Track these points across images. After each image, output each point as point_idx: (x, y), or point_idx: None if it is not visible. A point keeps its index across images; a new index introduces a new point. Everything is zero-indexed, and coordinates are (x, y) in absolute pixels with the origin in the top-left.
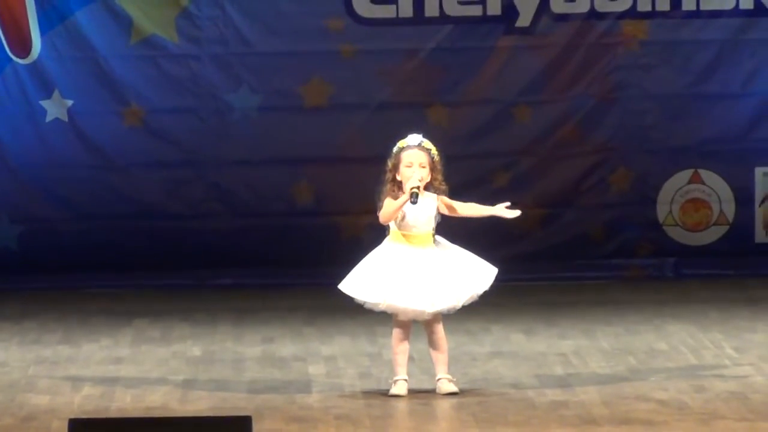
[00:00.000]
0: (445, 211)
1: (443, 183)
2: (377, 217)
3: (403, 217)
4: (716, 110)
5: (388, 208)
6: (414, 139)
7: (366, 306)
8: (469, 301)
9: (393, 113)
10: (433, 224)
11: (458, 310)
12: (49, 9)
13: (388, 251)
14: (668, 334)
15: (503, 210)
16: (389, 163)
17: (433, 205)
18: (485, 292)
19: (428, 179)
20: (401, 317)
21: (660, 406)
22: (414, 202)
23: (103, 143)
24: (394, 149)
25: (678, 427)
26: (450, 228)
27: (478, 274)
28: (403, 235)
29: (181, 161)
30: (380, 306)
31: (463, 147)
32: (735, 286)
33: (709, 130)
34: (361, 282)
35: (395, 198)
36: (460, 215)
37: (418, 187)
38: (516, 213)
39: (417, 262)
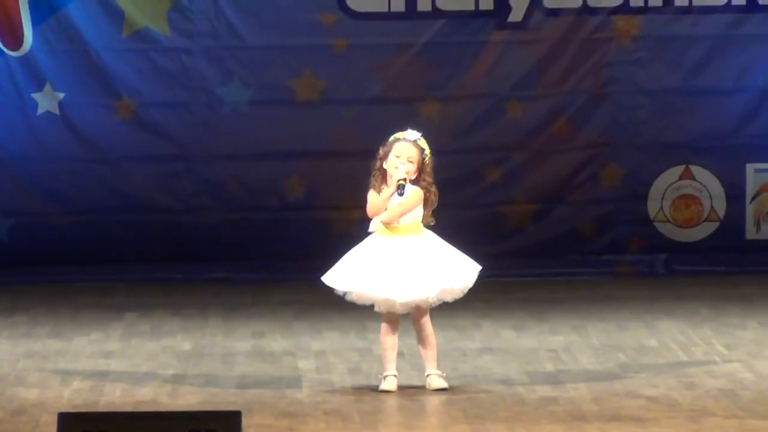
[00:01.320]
0: None
1: (432, 185)
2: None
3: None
4: (708, 106)
5: (374, 201)
6: (412, 134)
7: (347, 298)
8: (450, 297)
9: (385, 108)
10: (417, 215)
11: (449, 305)
12: (41, 1)
13: (370, 243)
14: (658, 330)
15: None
16: (381, 151)
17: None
18: (473, 289)
19: (414, 176)
20: (376, 308)
21: (650, 402)
22: (400, 194)
23: (95, 136)
24: (390, 138)
25: (667, 424)
26: (440, 223)
27: (456, 269)
28: (388, 227)
29: (172, 155)
30: (352, 295)
31: (455, 141)
32: (725, 282)
33: (701, 126)
34: (338, 274)
35: (378, 191)
36: None
37: (405, 179)
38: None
39: (395, 253)
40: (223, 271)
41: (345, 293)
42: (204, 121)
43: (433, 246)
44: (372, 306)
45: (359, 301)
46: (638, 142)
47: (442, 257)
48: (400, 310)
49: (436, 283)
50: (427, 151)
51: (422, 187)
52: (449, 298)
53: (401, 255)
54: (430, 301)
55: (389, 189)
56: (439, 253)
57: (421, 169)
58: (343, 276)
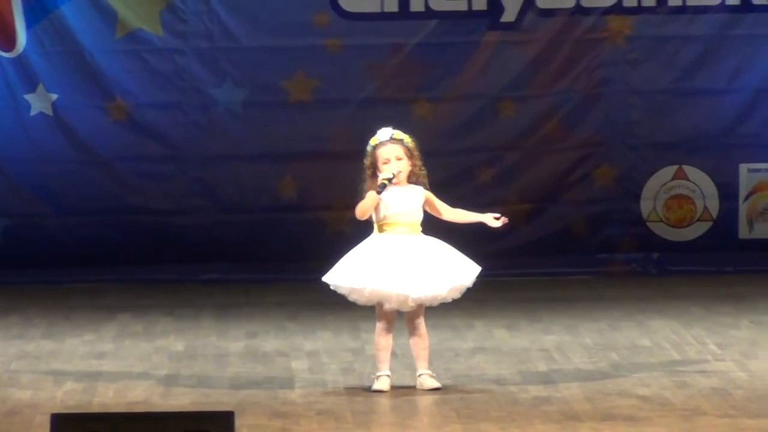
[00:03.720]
0: (427, 209)
1: (423, 168)
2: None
3: (386, 210)
4: (701, 106)
5: (363, 204)
6: (384, 133)
7: (350, 298)
8: (454, 295)
9: (378, 108)
10: (419, 215)
11: (442, 304)
12: (35, 3)
13: (372, 242)
14: (651, 330)
15: (490, 219)
16: (366, 162)
17: (418, 196)
18: (468, 289)
19: (409, 169)
20: (386, 306)
21: (642, 402)
22: (379, 192)
23: (88, 137)
24: (368, 147)
25: (660, 423)
26: (434, 222)
27: (461, 268)
28: (388, 226)
29: (166, 156)
30: (364, 292)
31: (447, 142)
32: (718, 282)
33: (694, 127)
34: (344, 271)
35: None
36: (442, 218)
37: (389, 179)
38: (499, 223)
39: (401, 250)
40: (216, 272)
41: (349, 291)
42: (197, 122)
43: (436, 245)
44: (366, 306)
45: (366, 298)
46: (631, 142)
47: (446, 256)
48: (410, 305)
49: (447, 280)
50: (407, 138)
51: (414, 173)
52: (450, 298)
53: (408, 253)
54: (440, 298)
55: (373, 192)
56: (443, 252)
57: (410, 157)
58: (350, 274)
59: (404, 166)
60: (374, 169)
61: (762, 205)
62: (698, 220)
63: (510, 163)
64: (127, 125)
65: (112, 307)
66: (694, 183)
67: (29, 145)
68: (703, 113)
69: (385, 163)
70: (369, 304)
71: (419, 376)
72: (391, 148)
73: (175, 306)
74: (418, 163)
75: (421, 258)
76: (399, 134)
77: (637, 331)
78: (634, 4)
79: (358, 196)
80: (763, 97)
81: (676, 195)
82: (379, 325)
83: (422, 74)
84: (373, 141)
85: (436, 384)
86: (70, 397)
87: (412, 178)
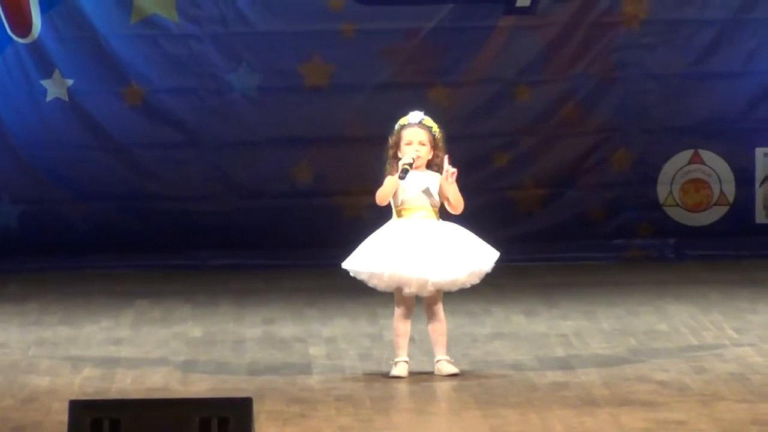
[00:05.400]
0: (440, 197)
1: (444, 161)
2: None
3: (404, 195)
4: (717, 90)
5: (383, 189)
6: (415, 116)
7: (369, 283)
8: (473, 280)
9: (393, 93)
10: (437, 201)
11: (460, 290)
12: None
13: (390, 228)
14: (669, 315)
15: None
16: (390, 141)
17: (436, 182)
18: (486, 274)
19: (429, 157)
20: (405, 290)
21: (660, 387)
22: (402, 178)
23: (104, 123)
24: (396, 127)
25: (678, 408)
26: None
27: (481, 253)
28: (406, 211)
29: (182, 141)
30: (383, 276)
31: (463, 127)
32: (735, 266)
33: (710, 110)
34: (363, 257)
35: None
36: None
37: (410, 164)
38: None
39: (420, 235)
40: (233, 258)
41: (369, 277)
42: (213, 107)
43: (455, 230)
44: (384, 293)
45: (386, 283)
46: (647, 127)
47: (465, 241)
48: (430, 290)
49: (466, 265)
50: (435, 127)
51: (435, 163)
52: (469, 283)
53: (427, 237)
54: (459, 282)
55: (393, 177)
56: (461, 237)
57: (434, 146)
58: (369, 259)
59: (425, 152)
60: (397, 148)
61: None
62: (715, 204)
63: (526, 147)
64: (142, 110)
65: (129, 293)
66: (711, 167)
67: (45, 131)
68: (718, 97)
69: (408, 144)
70: (388, 289)
71: (437, 361)
72: (417, 132)
73: (192, 292)
74: (441, 154)
75: (440, 242)
76: (429, 121)
77: (655, 316)
78: None
79: (382, 174)
80: None
81: (693, 179)
82: (398, 311)
83: (438, 59)
84: (401, 121)
85: (454, 370)
86: (88, 383)
87: (433, 168)
